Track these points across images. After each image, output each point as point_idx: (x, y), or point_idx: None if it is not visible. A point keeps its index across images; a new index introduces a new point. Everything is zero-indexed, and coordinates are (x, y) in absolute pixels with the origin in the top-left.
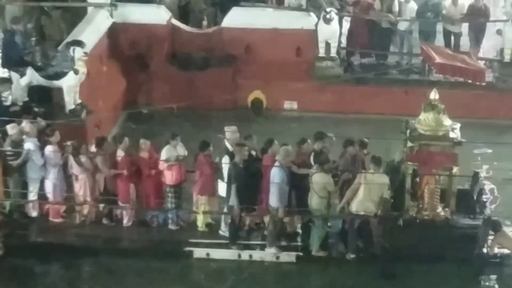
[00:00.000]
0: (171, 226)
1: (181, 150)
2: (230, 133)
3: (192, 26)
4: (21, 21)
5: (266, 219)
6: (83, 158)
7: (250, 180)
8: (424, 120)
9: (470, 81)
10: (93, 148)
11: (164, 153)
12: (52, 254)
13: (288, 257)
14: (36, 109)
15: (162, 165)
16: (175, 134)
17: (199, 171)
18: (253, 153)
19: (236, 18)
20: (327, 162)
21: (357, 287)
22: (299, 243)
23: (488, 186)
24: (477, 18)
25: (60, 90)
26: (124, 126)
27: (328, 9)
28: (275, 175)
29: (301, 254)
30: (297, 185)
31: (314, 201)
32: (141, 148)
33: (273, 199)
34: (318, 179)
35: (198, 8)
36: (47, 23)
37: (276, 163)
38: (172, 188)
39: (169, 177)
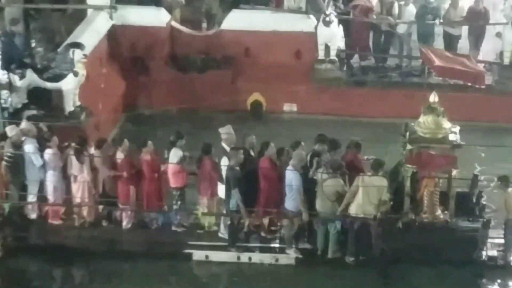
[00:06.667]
0: (176, 228)
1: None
2: (225, 133)
3: (192, 28)
4: (19, 23)
5: (266, 221)
6: (84, 156)
7: (249, 182)
8: (424, 123)
9: (469, 84)
10: (92, 150)
11: (174, 156)
12: (51, 256)
13: (288, 259)
14: (35, 112)
15: (172, 168)
16: (180, 134)
17: (207, 175)
18: (252, 153)
19: (235, 21)
20: (340, 168)
21: None
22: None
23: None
24: (477, 21)
25: (59, 92)
26: (124, 128)
27: (327, 12)
28: (293, 179)
29: (300, 256)
30: (306, 188)
31: (323, 204)
32: (145, 151)
33: (293, 203)
34: (330, 183)
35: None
36: (47, 25)
37: (290, 167)
38: (179, 191)
39: (176, 179)
